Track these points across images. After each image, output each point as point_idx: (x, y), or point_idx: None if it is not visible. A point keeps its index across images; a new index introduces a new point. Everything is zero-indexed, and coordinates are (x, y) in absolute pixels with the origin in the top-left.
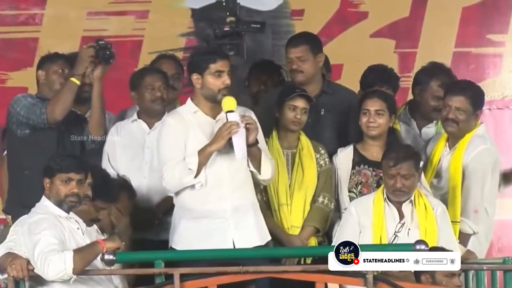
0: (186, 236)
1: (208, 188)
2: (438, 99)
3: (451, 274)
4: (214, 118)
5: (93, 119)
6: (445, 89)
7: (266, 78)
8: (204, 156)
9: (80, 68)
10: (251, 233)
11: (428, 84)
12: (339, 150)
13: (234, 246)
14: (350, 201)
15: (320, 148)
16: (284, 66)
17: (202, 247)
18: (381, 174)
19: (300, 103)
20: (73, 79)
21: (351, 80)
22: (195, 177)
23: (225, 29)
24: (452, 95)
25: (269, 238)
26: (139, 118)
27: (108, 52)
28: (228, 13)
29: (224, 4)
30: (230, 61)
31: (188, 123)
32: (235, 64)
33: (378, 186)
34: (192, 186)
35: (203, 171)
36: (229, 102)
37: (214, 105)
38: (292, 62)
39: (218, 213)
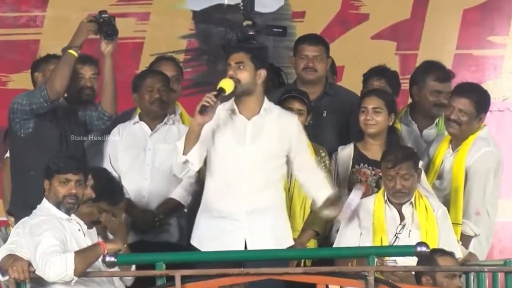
0: (201, 234)
1: (227, 188)
2: (436, 93)
3: (452, 275)
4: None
5: (106, 95)
6: (452, 90)
7: (267, 81)
8: (189, 132)
9: (77, 40)
10: (265, 236)
11: (424, 81)
12: (339, 148)
13: (246, 247)
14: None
15: (321, 151)
16: (283, 68)
17: (214, 246)
18: (381, 174)
19: (294, 104)
20: (70, 51)
21: (352, 82)
22: (184, 154)
23: (249, 33)
24: (457, 96)
25: (290, 243)
26: (140, 120)
27: (111, 27)
28: (244, 17)
29: (241, 8)
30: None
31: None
32: None
33: (377, 185)
34: (215, 186)
35: (195, 151)
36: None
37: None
38: (307, 60)
39: (233, 215)
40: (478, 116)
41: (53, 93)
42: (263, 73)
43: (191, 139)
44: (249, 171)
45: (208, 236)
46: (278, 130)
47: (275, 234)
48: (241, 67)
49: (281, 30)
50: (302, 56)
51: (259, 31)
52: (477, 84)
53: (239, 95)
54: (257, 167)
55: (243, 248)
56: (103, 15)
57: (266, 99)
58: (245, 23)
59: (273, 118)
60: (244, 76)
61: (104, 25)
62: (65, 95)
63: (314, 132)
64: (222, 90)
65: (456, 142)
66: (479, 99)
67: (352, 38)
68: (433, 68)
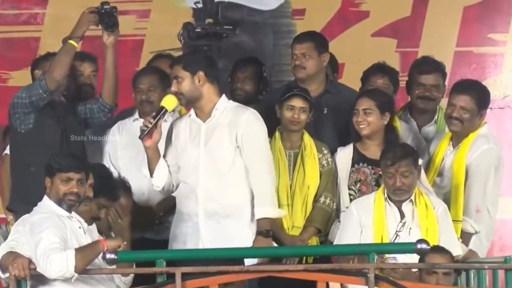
0: (172, 238)
1: (188, 192)
2: (419, 86)
3: (433, 272)
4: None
5: (106, 86)
6: (452, 87)
7: (245, 74)
8: (146, 155)
9: (78, 31)
10: (224, 240)
11: (412, 75)
12: (339, 149)
13: None
14: (350, 199)
15: (323, 148)
16: (284, 66)
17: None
18: (380, 172)
19: (297, 102)
20: (71, 41)
21: (352, 80)
22: (152, 176)
23: (197, 30)
24: (457, 94)
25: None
26: (140, 117)
27: (112, 19)
28: (206, 15)
29: (201, 6)
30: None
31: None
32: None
33: (377, 184)
34: (182, 189)
35: (159, 173)
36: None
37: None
38: (296, 58)
39: (191, 218)
40: (479, 113)
41: (52, 82)
42: (201, 74)
43: (150, 161)
44: (204, 173)
45: (174, 240)
46: (228, 124)
47: (236, 236)
48: (179, 80)
49: (231, 27)
50: (292, 55)
51: (206, 28)
52: (476, 81)
53: (187, 104)
54: (212, 168)
55: None
56: (105, 6)
57: (222, 98)
58: (206, 21)
59: (228, 116)
60: (182, 87)
61: (105, 16)
62: (64, 92)
63: (314, 129)
64: (163, 108)
65: (457, 139)
66: (480, 95)
67: (352, 35)
68: (419, 62)
